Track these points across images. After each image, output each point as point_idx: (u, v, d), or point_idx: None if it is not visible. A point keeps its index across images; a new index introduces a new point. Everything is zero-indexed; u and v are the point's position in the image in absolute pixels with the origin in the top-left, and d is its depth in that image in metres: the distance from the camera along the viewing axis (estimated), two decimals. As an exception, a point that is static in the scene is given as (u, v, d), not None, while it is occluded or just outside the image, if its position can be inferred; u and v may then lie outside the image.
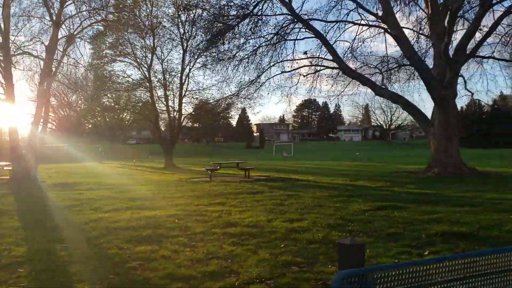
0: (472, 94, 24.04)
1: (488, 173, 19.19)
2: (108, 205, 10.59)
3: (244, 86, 23.45)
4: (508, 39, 20.64)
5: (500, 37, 21.28)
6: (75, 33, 19.94)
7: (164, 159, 32.04)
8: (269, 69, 22.44)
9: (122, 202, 11.22)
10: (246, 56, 21.50)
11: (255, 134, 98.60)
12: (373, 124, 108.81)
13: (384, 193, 12.61)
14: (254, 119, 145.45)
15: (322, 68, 23.02)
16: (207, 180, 17.61)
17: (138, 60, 30.54)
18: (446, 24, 19.20)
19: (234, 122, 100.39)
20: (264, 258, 5.50)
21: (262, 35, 20.85)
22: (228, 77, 23.47)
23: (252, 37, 20.69)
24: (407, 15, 22.14)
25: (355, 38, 22.12)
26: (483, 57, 21.96)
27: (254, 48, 21.17)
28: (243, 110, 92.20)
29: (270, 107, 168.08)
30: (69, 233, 7.53)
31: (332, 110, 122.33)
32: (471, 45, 20.08)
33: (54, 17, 18.53)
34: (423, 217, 8.13)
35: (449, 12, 18.80)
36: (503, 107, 64.34)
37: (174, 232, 7.29)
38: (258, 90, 24.14)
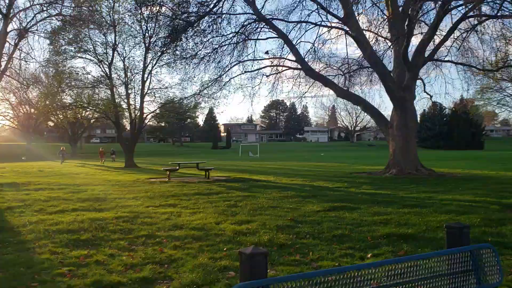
0: (431, 96, 24.59)
1: (444, 174, 19.63)
2: (54, 207, 10.10)
3: (206, 85, 23.16)
4: (463, 43, 21.15)
5: (457, 41, 21.84)
6: (28, 27, 19.10)
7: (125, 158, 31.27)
8: (231, 68, 22.24)
9: (70, 203, 10.74)
10: (207, 55, 21.22)
11: (222, 134, 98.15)
12: (339, 125, 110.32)
13: (340, 193, 12.62)
14: (222, 119, 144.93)
15: (285, 68, 22.99)
16: (165, 180, 17.22)
17: (98, 56, 29.72)
18: (405, 27, 19.50)
19: (201, 121, 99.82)
20: (202, 263, 5.28)
21: (223, 34, 20.62)
22: (190, 75, 23.15)
23: (213, 35, 20.42)
24: (368, 17, 22.33)
25: (316, 39, 22.21)
26: (441, 61, 22.50)
27: (215, 46, 20.91)
28: (211, 110, 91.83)
29: (238, 107, 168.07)
30: (2, 236, 7.06)
31: (299, 111, 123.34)
32: (431, 48, 20.55)
33: (5, 10, 17.67)
34: (373, 218, 8.11)
35: (408, 15, 19.09)
36: (463, 110, 66.36)
37: (115, 235, 6.96)
38: (221, 90, 23.90)
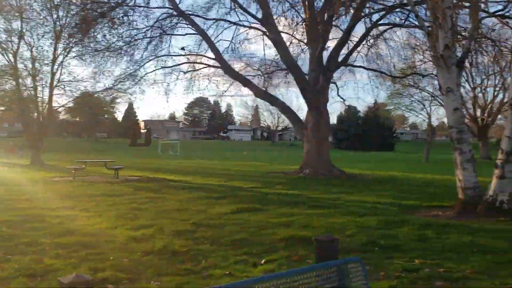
0: (344, 100, 25.57)
1: (355, 176, 20.42)
2: None
3: (120, 80, 22.06)
4: (370, 50, 22.21)
5: (371, 49, 22.89)
6: None
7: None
8: (147, 63, 21.40)
9: None
10: (121, 48, 20.20)
11: (142, 130, 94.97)
12: (262, 125, 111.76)
13: (252, 194, 12.54)
14: (143, 115, 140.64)
15: (203, 66, 22.60)
16: (69, 179, 16.07)
17: (3, 45, 27.17)
18: (321, 31, 19.99)
19: (119, 117, 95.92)
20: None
21: (137, 27, 19.74)
22: (103, 69, 21.93)
23: (127, 28, 19.47)
24: (286, 19, 22.61)
25: (233, 38, 21.91)
26: (354, 66, 23.39)
27: (130, 40, 19.96)
28: (130, 105, 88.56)
29: (162, 104, 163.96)
30: None
31: (223, 109, 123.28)
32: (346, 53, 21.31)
33: None
34: (278, 220, 8.05)
35: (323, 20, 19.62)
36: (375, 113, 70.27)
37: (-9, 243, 6.19)
38: (136, 85, 22.90)
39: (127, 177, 17.54)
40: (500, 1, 13.95)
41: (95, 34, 20.66)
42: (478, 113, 44.05)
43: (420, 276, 4.83)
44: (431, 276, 4.83)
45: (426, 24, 11.05)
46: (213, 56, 21.46)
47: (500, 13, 13.92)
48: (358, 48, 21.78)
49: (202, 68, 22.47)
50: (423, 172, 24.13)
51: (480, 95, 44.02)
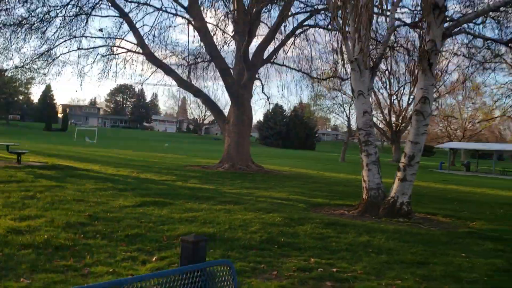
0: (268, 98, 25.75)
1: (272, 172, 20.63)
2: None
3: (32, 59, 20.34)
4: (298, 50, 22.52)
5: (298, 49, 23.19)
6: None
7: None
8: (62, 43, 19.94)
9: None
10: (33, 25, 18.61)
11: (59, 115, 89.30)
12: (188, 117, 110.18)
13: (162, 187, 12.07)
14: (61, 99, 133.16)
15: (124, 51, 21.54)
16: (-39, 163, 14.50)
17: None
18: (248, 25, 19.86)
19: (35, 99, 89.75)
20: None
21: (50, 4, 18.30)
22: (11, 46, 20.06)
23: (40, 3, 17.97)
24: (214, 10, 22.25)
25: (154, 24, 21.15)
26: (279, 64, 23.49)
27: (43, 17, 18.44)
28: (48, 88, 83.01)
29: (83, 88, 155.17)
30: None
31: (148, 98, 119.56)
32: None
33: None
34: (182, 215, 7.74)
35: (251, 14, 19.50)
36: (299, 113, 72.00)
37: None
38: (50, 65, 21.25)
39: (31, 162, 16.22)
40: (413, 12, 14.60)
41: (5, 6, 18.87)
42: (394, 118, 46.76)
43: (312, 276, 4.80)
44: (323, 276, 4.81)
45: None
46: (135, 41, 20.55)
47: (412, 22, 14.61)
48: (286, 48, 22.05)
49: (122, 52, 21.42)
50: (338, 171, 25.06)
51: (396, 102, 46.82)
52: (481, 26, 12.51)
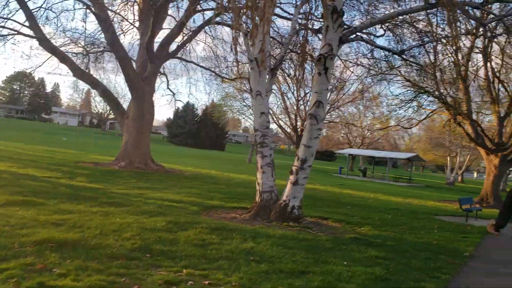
0: (174, 94, 25.01)
1: (173, 171, 19.86)
2: None
3: None
4: (209, 48, 22.03)
5: (209, 46, 22.56)
6: None
7: None
8: None
9: None
10: None
11: None
12: (92, 110, 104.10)
13: (41, 184, 10.82)
14: None
15: (12, 32, 19.27)
16: None
17: None
18: (153, 17, 18.89)
19: None
20: None
21: None
22: None
23: None
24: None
25: (44, 3, 18.96)
26: (186, 60, 22.72)
27: None
28: None
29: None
30: None
31: (49, 89, 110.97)
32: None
33: None
34: (49, 218, 6.80)
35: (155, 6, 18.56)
36: (208, 112, 71.37)
37: None
38: None
39: None
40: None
41: None
42: (300, 123, 48.12)
43: (179, 290, 4.30)
44: (191, 289, 4.34)
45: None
46: (28, 24, 18.47)
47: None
48: (195, 45, 21.41)
49: (9, 34, 19.17)
50: (242, 172, 24.94)
51: (302, 107, 48.22)
52: (381, 38, 13.04)
